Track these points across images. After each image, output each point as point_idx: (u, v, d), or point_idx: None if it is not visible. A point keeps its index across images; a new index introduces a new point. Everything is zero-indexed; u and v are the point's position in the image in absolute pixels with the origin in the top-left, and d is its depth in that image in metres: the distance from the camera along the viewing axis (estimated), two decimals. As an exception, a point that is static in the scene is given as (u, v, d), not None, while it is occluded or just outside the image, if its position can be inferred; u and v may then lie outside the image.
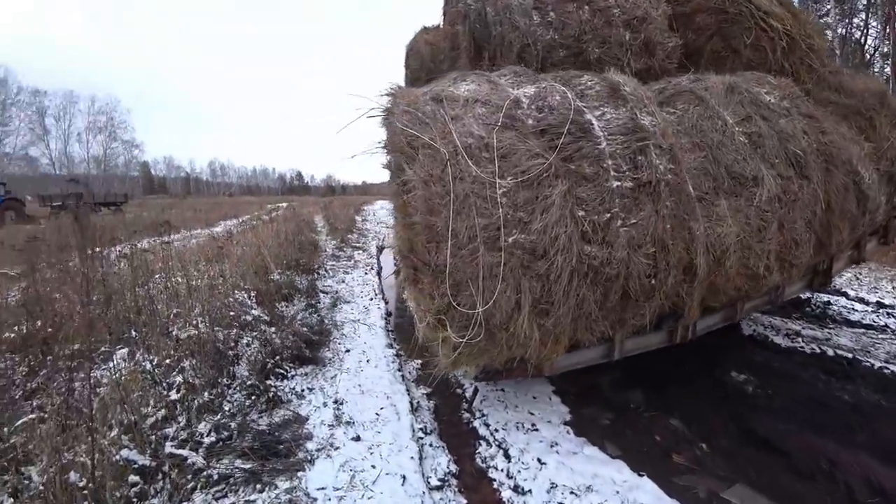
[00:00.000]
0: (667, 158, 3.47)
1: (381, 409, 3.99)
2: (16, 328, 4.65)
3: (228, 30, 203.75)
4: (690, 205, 3.53)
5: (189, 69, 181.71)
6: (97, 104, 57.06)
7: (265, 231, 11.46)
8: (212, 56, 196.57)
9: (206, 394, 3.57)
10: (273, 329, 5.58)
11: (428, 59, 6.99)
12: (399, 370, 4.88)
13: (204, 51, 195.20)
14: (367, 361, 5.03)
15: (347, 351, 5.33)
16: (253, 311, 5.87)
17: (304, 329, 5.62)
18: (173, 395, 3.43)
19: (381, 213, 29.81)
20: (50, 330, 4.57)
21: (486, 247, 2.93)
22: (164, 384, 3.58)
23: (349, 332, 5.99)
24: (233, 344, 4.56)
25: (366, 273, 9.72)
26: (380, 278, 9.32)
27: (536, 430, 3.85)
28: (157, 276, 7.33)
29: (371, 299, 7.59)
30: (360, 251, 12.80)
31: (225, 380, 3.90)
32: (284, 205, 29.07)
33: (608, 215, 3.17)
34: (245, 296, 6.34)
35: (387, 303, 7.61)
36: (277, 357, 4.51)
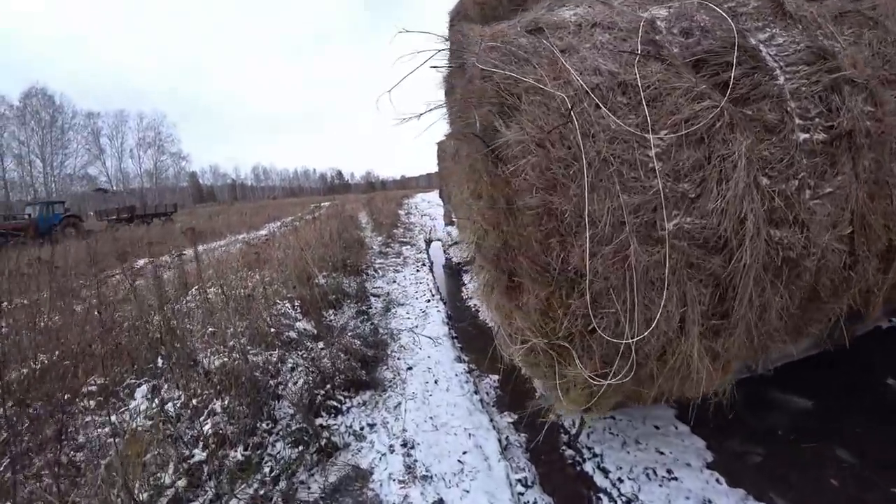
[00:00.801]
0: (863, 98, 2.33)
1: (465, 453, 3.05)
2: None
3: (259, 26, 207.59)
4: (892, 164, 2.39)
5: (224, 77, 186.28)
6: (145, 121, 58.83)
7: (308, 231, 10.75)
8: (246, 56, 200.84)
9: (240, 449, 2.71)
10: (321, 345, 4.74)
11: (480, 24, 5.97)
12: (475, 392, 3.93)
13: (237, 51, 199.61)
14: (436, 382, 4.10)
15: (409, 368, 4.42)
16: (298, 325, 5.04)
17: (358, 343, 4.75)
18: (198, 455, 2.59)
19: (422, 205, 28.98)
20: (64, 362, 3.85)
21: (639, 238, 1.91)
22: (189, 437, 2.74)
23: (408, 343, 5.09)
24: (274, 372, 3.71)
25: (417, 270, 8.82)
26: (433, 276, 8.40)
27: (675, 478, 2.81)
28: (195, 289, 6.66)
29: (427, 301, 6.66)
30: (408, 246, 11.93)
31: (265, 423, 3.04)
32: (327, 204, 28.66)
33: (796, 182, 2.08)
34: (289, 305, 5.53)
35: (445, 303, 6.68)
36: (328, 386, 3.63)
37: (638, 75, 2.05)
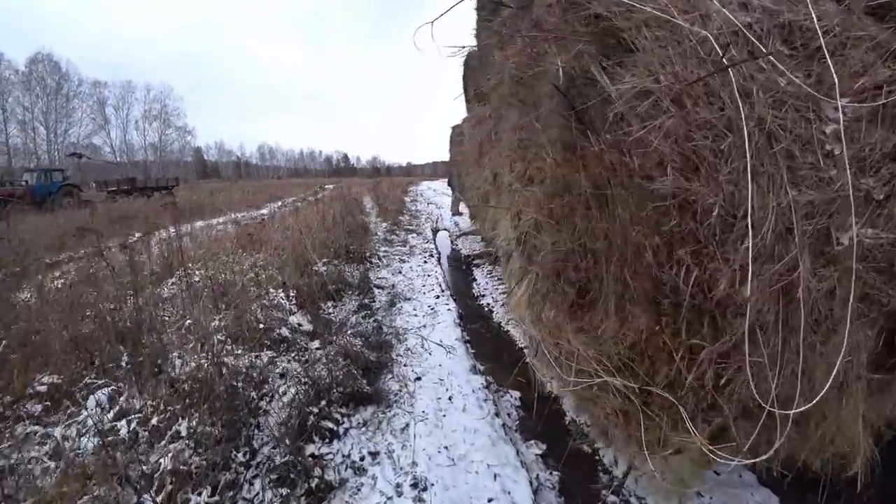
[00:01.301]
0: None
1: (490, 501, 2.42)
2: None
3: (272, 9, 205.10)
4: None
5: (234, 55, 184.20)
6: (152, 93, 57.73)
7: (310, 213, 10.08)
8: (253, 38, 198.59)
9: (206, 492, 2.08)
10: (317, 344, 4.10)
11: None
12: (496, 414, 3.30)
13: (245, 32, 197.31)
14: (450, 399, 3.46)
15: (418, 379, 3.78)
16: (292, 319, 4.40)
17: (359, 343, 4.12)
18: None
19: (428, 193, 28.30)
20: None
21: (812, 253, 1.27)
22: (140, 474, 2.11)
23: (416, 346, 4.45)
24: (259, 380, 3.08)
25: (424, 262, 8.17)
26: (442, 268, 7.76)
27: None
28: (182, 271, 6.02)
29: (437, 297, 6.02)
30: (414, 234, 11.28)
31: (242, 454, 2.41)
32: (331, 186, 27.89)
33: None
34: (282, 296, 4.89)
35: (455, 300, 6.05)
36: (324, 402, 2.99)
37: (814, 14, 1.39)
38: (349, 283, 6.08)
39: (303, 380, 3.11)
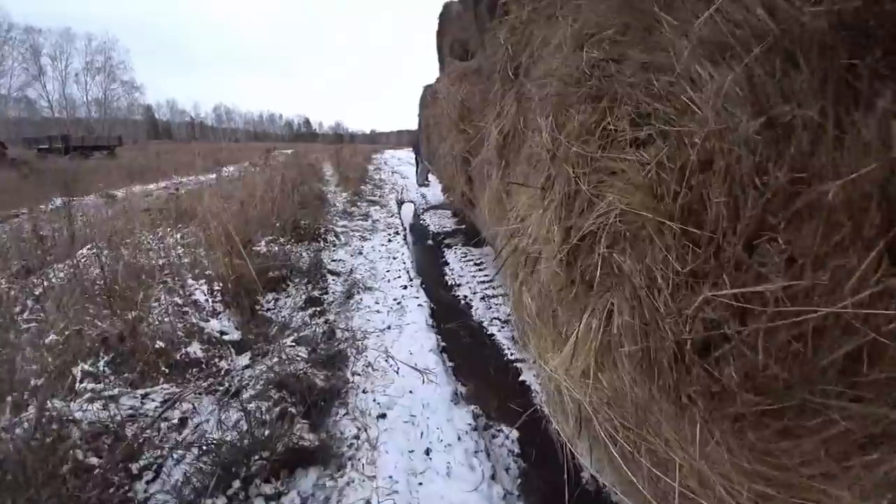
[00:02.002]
0: None
1: None
2: None
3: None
4: None
5: (184, 10, 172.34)
6: (94, 43, 52.58)
7: (259, 180, 8.71)
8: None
9: None
10: (245, 361, 3.01)
11: None
12: (492, 477, 2.31)
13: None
14: (427, 453, 2.44)
15: (382, 416, 2.73)
16: (212, 324, 3.26)
17: (303, 357, 3.05)
18: None
19: (392, 161, 26.87)
20: None
21: None
22: None
23: (378, 358, 3.41)
24: (136, 444, 1.97)
25: (389, 240, 7.05)
26: (409, 249, 6.66)
27: None
28: (85, 250, 4.74)
29: (404, 287, 4.95)
30: (377, 206, 10.08)
31: None
32: (290, 151, 25.95)
33: None
34: (205, 289, 3.72)
35: (426, 290, 5.00)
36: (237, 481, 1.91)
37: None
38: (298, 267, 4.92)
39: (206, 443, 2.01)
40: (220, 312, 3.53)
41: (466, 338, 4.10)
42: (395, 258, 6.02)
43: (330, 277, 4.94)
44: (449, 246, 6.95)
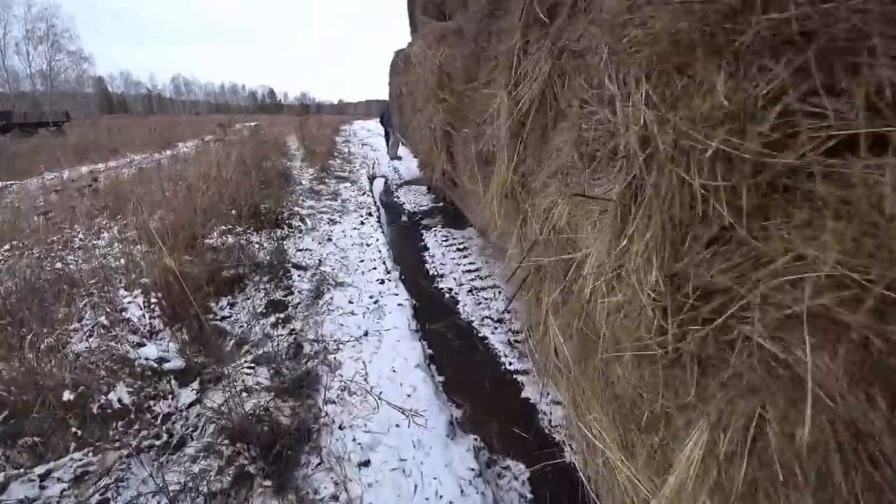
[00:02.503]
0: None
1: None
2: None
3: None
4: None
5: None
6: (35, 9, 48.43)
7: (214, 158, 7.78)
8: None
9: None
10: (193, 396, 2.38)
11: None
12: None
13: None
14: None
15: (365, 463, 2.15)
16: (146, 351, 2.59)
17: (264, 392, 2.43)
18: None
19: (362, 133, 25.70)
20: None
21: None
22: None
23: (357, 377, 2.81)
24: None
25: (361, 222, 6.35)
26: (384, 233, 5.98)
27: None
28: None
29: (381, 282, 4.31)
30: (347, 183, 9.30)
31: None
32: (253, 124, 24.40)
33: None
34: (140, 301, 3.02)
35: (405, 283, 4.39)
36: None
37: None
38: (257, 263, 4.22)
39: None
40: (159, 331, 2.85)
41: (455, 341, 3.53)
42: (368, 244, 5.36)
43: (295, 273, 4.25)
44: (427, 227, 6.31)
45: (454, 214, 6.13)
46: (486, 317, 3.83)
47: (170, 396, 2.36)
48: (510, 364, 3.20)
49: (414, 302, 3.99)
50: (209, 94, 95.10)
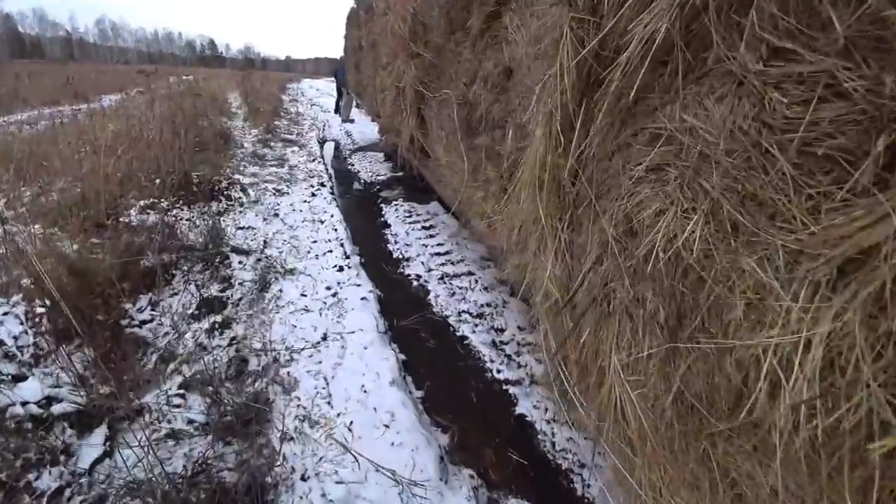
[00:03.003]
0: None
1: None
2: None
3: None
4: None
5: None
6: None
7: (140, 114, 6.60)
8: None
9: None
10: (95, 459, 1.70)
11: None
12: None
13: None
14: None
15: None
16: (19, 397, 1.86)
17: (197, 435, 1.80)
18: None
19: (311, 92, 24.01)
20: None
21: None
22: None
23: (318, 399, 2.22)
24: None
25: (313, 194, 5.57)
26: (339, 207, 5.25)
27: None
28: None
29: (338, 269, 3.65)
30: (296, 147, 8.35)
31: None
32: (189, 77, 22.08)
33: None
34: (21, 315, 2.25)
35: (366, 268, 3.77)
36: None
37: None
38: (187, 245, 3.45)
39: None
40: (49, 353, 2.10)
41: (430, 342, 2.99)
42: (322, 221, 4.64)
43: (235, 259, 3.51)
44: (388, 201, 5.64)
45: (416, 186, 5.48)
46: (464, 311, 3.30)
47: (62, 457, 1.68)
48: (498, 372, 2.71)
49: (379, 294, 3.39)
50: (140, 41, 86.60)
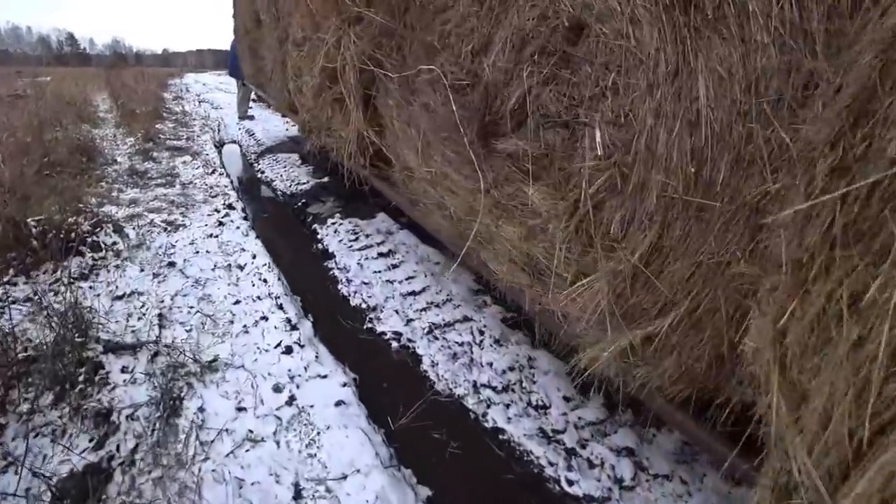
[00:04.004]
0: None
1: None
2: None
3: None
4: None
5: None
6: None
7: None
8: None
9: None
10: None
11: None
12: None
13: None
14: None
15: None
16: None
17: None
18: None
19: (197, 87, 20.90)
20: None
21: None
22: None
23: None
24: None
25: (220, 222, 4.06)
26: (257, 233, 3.84)
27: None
28: None
29: (287, 350, 2.36)
30: (187, 157, 6.55)
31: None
32: (48, 78, 17.77)
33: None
34: None
35: (330, 348, 2.54)
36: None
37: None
38: (24, 359, 2.00)
39: None
40: None
41: (452, 444, 1.89)
42: (241, 266, 3.25)
43: (115, 366, 2.09)
44: (320, 219, 4.31)
45: (352, 194, 4.22)
46: (481, 384, 2.24)
47: None
48: (568, 483, 1.71)
49: (357, 385, 2.20)
50: (-24, 40, 71.98)
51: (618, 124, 1.42)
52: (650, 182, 1.39)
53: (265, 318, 2.58)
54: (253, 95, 10.52)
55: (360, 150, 2.91)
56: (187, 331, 2.43)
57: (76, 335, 2.10)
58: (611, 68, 1.40)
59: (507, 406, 2.12)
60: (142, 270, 3.00)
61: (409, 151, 2.45)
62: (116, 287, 2.75)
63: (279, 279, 3.01)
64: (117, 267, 3.01)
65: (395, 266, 3.35)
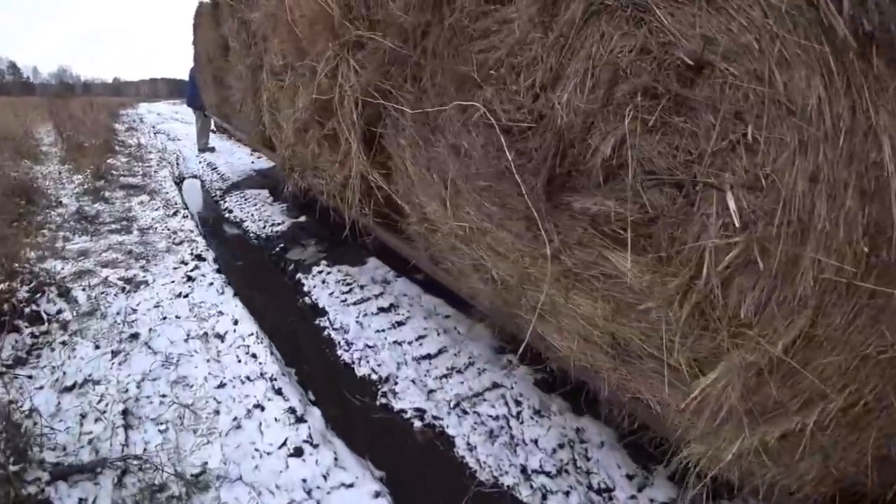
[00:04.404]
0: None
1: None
2: None
3: None
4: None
5: None
6: None
7: None
8: None
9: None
10: None
11: None
12: None
13: None
14: None
15: None
16: None
17: None
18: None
19: (151, 118, 19.83)
20: None
21: None
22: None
23: None
24: None
25: (188, 277, 3.50)
26: (233, 289, 3.31)
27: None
28: None
29: (296, 452, 1.87)
30: (144, 196, 5.86)
31: None
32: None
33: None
34: None
35: (331, 427, 2.07)
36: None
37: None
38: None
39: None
40: None
41: None
42: (221, 336, 2.71)
43: (67, 501, 1.56)
44: (304, 267, 3.81)
45: (335, 237, 3.77)
46: (532, 469, 1.84)
47: None
48: None
49: (381, 474, 1.74)
50: None
51: (755, 188, 1.10)
52: (802, 260, 1.08)
53: (260, 408, 2.08)
54: (213, 126, 9.90)
55: (362, 195, 2.49)
56: (162, 431, 1.90)
57: (11, 460, 1.54)
58: (746, 119, 1.08)
59: (567, 494, 1.74)
60: (97, 347, 2.43)
61: (429, 200, 2.06)
62: (64, 374, 2.17)
63: (271, 352, 2.50)
64: (64, 344, 2.42)
65: (400, 323, 2.91)
